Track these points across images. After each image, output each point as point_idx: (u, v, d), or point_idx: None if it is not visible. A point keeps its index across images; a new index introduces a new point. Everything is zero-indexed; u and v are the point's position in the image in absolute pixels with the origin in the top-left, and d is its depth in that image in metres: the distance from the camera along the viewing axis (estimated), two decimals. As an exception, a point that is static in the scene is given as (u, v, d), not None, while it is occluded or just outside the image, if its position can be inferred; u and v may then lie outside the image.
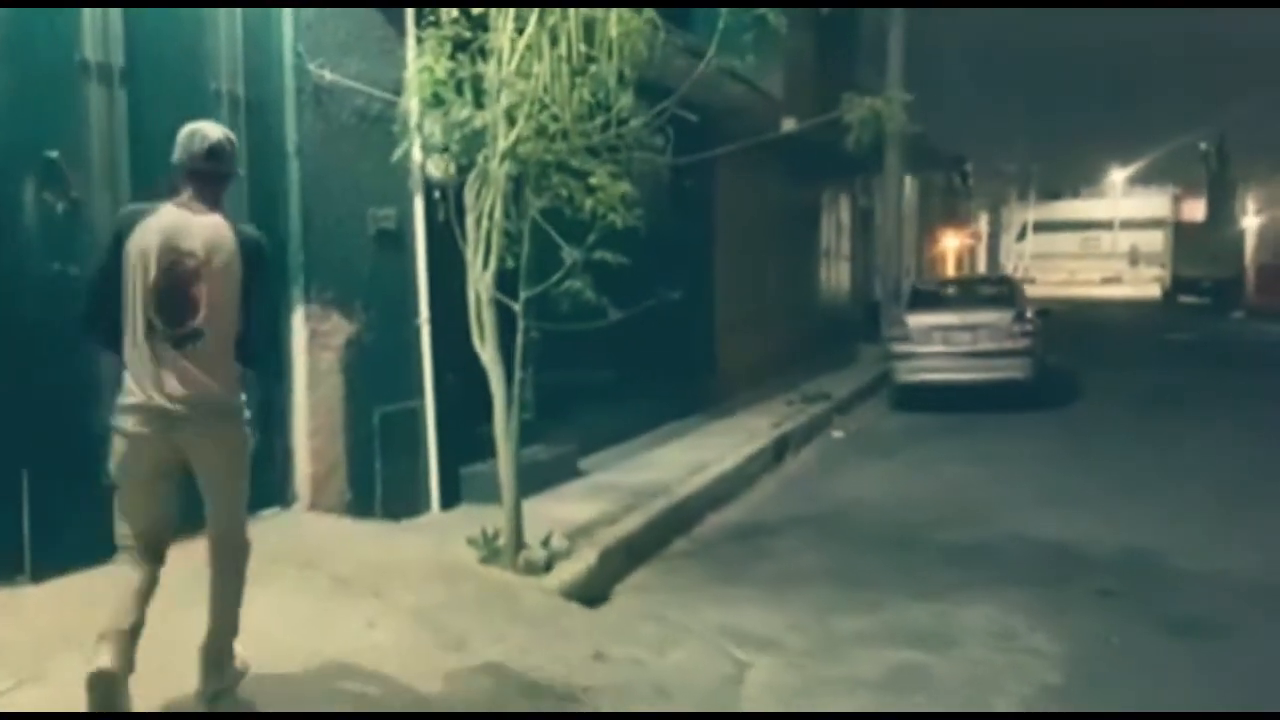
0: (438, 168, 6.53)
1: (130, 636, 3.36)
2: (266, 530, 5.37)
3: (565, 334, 8.42)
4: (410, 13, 6.38)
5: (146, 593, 3.45)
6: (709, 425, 10.36)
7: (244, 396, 3.57)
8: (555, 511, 6.84)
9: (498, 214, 5.64)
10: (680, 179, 11.07)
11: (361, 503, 6.24)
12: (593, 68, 5.32)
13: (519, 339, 5.66)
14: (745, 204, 12.86)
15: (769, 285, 14.11)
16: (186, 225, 3.41)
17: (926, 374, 12.21)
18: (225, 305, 3.44)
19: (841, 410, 12.14)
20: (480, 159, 5.69)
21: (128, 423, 3.40)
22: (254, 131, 5.52)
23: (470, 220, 5.74)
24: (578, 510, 6.89)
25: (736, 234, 12.57)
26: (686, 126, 10.37)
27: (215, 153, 3.50)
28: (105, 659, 3.28)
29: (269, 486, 5.74)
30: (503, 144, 5.51)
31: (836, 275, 18.47)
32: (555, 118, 5.50)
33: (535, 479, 7.41)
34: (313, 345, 5.87)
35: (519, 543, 5.69)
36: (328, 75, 5.88)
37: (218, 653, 3.62)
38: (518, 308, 5.62)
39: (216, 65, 5.30)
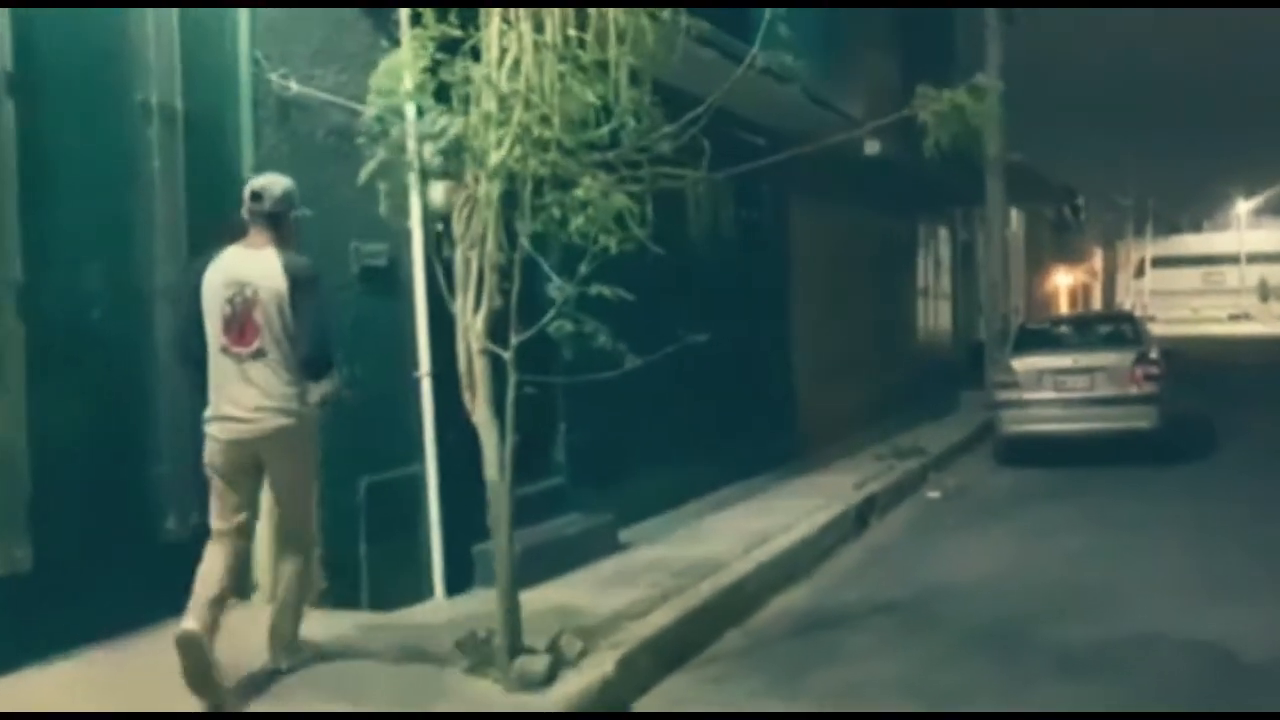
0: (439, 195, 5.61)
1: (215, 604, 3.96)
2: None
3: (607, 385, 7.39)
4: (404, 15, 5.46)
5: (234, 568, 4.13)
6: (782, 486, 9.15)
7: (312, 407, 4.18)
8: (579, 598, 5.76)
9: (490, 244, 4.65)
10: (746, 208, 10.00)
11: (342, 592, 5.24)
12: (583, 55, 4.28)
13: (510, 394, 4.60)
14: (827, 236, 11.68)
15: (857, 326, 12.85)
16: (244, 261, 4.06)
17: (1036, 424, 10.78)
18: (281, 327, 4.03)
19: (939, 466, 10.79)
20: (470, 178, 4.73)
21: (212, 429, 4.07)
22: (195, 151, 4.65)
23: (459, 253, 4.76)
24: (606, 597, 5.78)
25: (817, 270, 11.39)
26: (753, 150, 9.29)
27: (256, 195, 4.12)
28: (190, 622, 3.86)
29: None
30: (495, 156, 4.52)
31: (935, 315, 17.06)
32: (545, 119, 4.49)
33: (563, 556, 6.35)
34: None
35: (515, 647, 4.60)
36: (294, 87, 4.98)
37: (284, 636, 4.31)
38: (508, 355, 4.57)
39: (144, 73, 4.45)
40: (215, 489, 4.11)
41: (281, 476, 4.18)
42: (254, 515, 4.27)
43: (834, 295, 12.05)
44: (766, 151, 10.02)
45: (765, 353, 10.14)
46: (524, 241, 4.49)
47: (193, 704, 3.91)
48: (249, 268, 4.03)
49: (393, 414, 5.58)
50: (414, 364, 5.66)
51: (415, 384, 5.68)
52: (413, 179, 5.51)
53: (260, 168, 4.89)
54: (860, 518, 8.42)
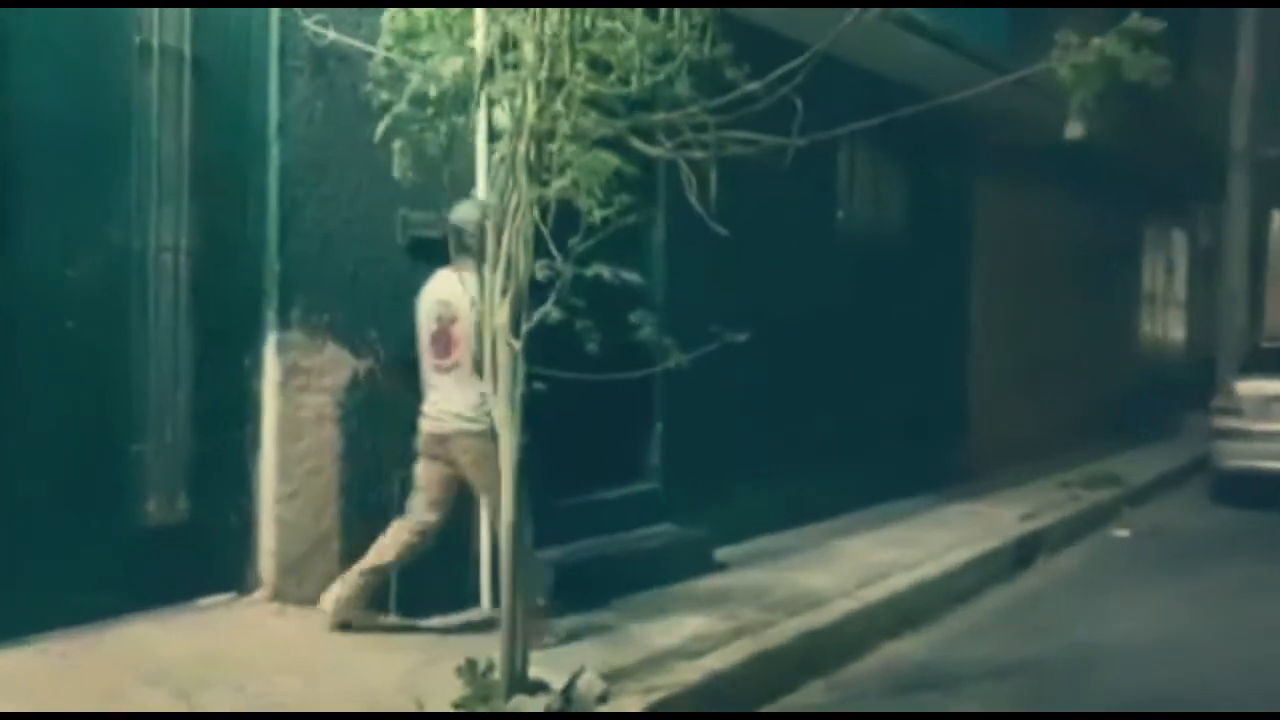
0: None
1: (369, 573, 4.44)
2: (180, 628, 4.02)
3: (718, 382, 6.61)
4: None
5: (416, 546, 4.55)
6: (933, 512, 8.05)
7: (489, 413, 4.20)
8: (637, 624, 5.05)
9: (521, 215, 3.99)
10: (919, 192, 8.93)
11: (365, 595, 4.73)
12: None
13: (517, 389, 3.93)
14: (1023, 229, 10.36)
15: (1056, 332, 11.42)
16: (449, 284, 4.46)
17: (1259, 460, 9.14)
18: (475, 345, 4.28)
19: (1136, 500, 9.35)
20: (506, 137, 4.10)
21: (420, 422, 4.51)
22: (208, 102, 4.22)
23: (490, 226, 4.13)
24: (671, 626, 5.04)
25: (1007, 266, 10.11)
26: (936, 131, 8.25)
27: (457, 229, 4.47)
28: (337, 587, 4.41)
29: (218, 566, 4.39)
30: (530, 109, 3.84)
31: (1163, 326, 15.14)
32: (594, 64, 3.80)
33: (639, 572, 5.66)
34: (289, 385, 4.45)
35: (518, 682, 3.96)
36: (331, 34, 4.48)
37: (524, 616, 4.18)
38: (517, 345, 3.90)
39: (143, 11, 4.03)
40: (420, 477, 4.56)
41: (474, 477, 4.53)
42: (450, 499, 4.61)
43: (1027, 296, 10.70)
44: (952, 130, 8.93)
45: (933, 356, 9.04)
46: (534, 214, 3.78)
47: (136, 702, 3.49)
48: (452, 290, 4.44)
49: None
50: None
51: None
52: (480, 140, 5.01)
53: (288, 124, 4.44)
54: (1021, 556, 7.26)
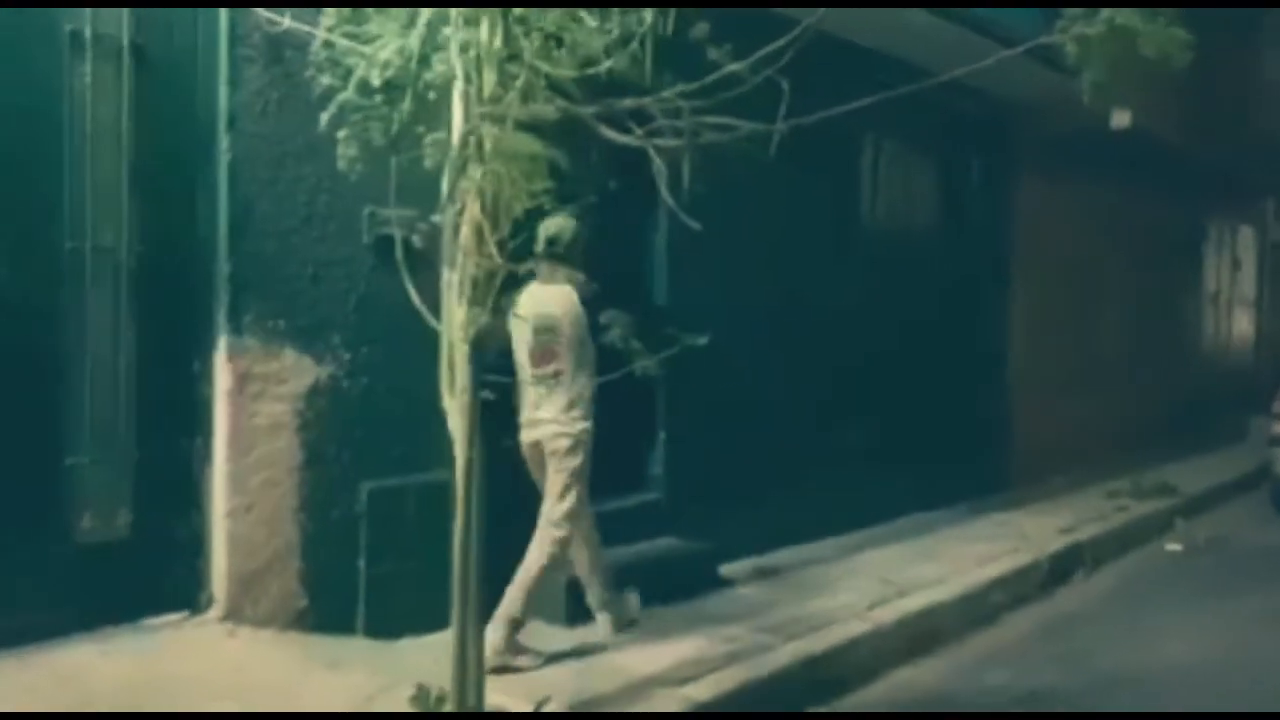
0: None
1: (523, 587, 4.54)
2: (120, 650, 3.79)
3: (727, 387, 6.27)
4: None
5: (559, 556, 4.68)
6: (969, 522, 7.60)
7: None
8: (623, 648, 4.73)
9: (475, 203, 3.69)
10: (951, 186, 8.49)
11: (329, 614, 4.48)
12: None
13: (466, 395, 3.63)
14: (1068, 226, 9.83)
15: (1107, 333, 10.84)
16: (548, 296, 4.59)
17: (1325, 469, 8.53)
18: (574, 356, 4.58)
19: (1192, 511, 8.77)
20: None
21: (520, 435, 4.69)
22: (152, 93, 3.99)
23: (447, 219, 3.84)
24: (659, 649, 4.72)
25: (1050, 264, 9.60)
26: (972, 123, 7.84)
27: (551, 240, 4.56)
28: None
29: (168, 584, 4.16)
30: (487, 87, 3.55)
31: (1229, 326, 14.39)
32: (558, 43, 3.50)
33: (646, 588, 5.32)
34: (242, 392, 4.21)
35: (470, 711, 3.66)
36: (285, 21, 4.22)
37: (505, 617, 4.47)
38: (466, 348, 3.60)
39: (74, -4, 3.81)
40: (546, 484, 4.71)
41: (551, 474, 4.66)
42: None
43: (1076, 296, 10.16)
44: (991, 122, 8.48)
45: (970, 359, 8.57)
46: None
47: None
48: (552, 303, 4.59)
49: (419, 409, 4.74)
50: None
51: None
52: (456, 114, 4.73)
53: (239, 116, 4.19)
54: (1058, 571, 6.79)
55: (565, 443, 4.60)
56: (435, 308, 4.79)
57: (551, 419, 4.61)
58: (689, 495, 6.01)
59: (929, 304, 8.01)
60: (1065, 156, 9.29)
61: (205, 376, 4.17)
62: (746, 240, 6.34)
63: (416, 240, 4.53)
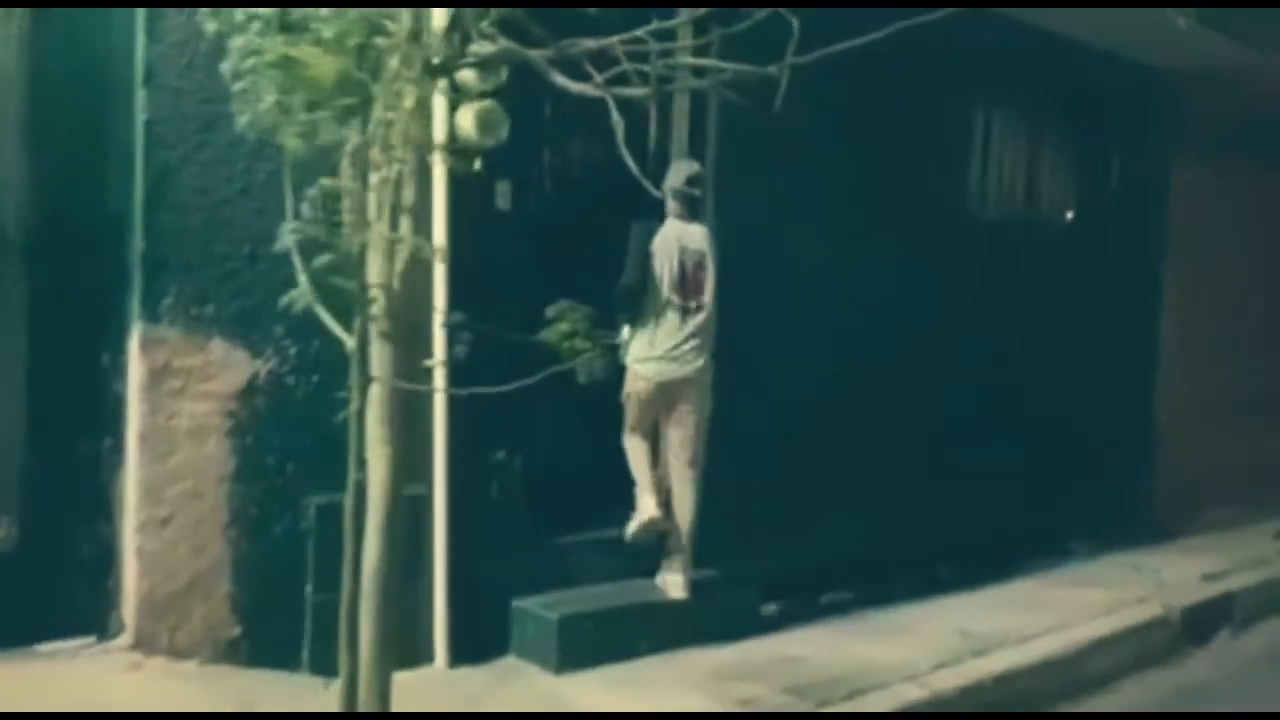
0: (469, 122, 4.13)
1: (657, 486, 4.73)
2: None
3: (785, 395, 5.40)
4: None
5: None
6: (1092, 564, 6.45)
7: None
8: (615, 701, 3.98)
9: (403, 164, 3.03)
10: (1085, 172, 7.34)
11: (268, 647, 3.88)
12: None
13: (355, 399, 2.94)
14: (1238, 224, 8.42)
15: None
16: (690, 233, 4.75)
17: None
18: (711, 289, 4.74)
19: (1382, 559, 7.29)
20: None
21: (646, 369, 4.65)
22: (53, 41, 3.48)
23: (374, 179, 3.18)
24: (653, 708, 3.94)
25: (1215, 268, 8.23)
26: (1116, 97, 6.73)
27: (692, 180, 4.78)
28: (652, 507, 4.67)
29: (70, 606, 3.64)
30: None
31: None
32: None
33: (652, 631, 4.57)
34: (158, 389, 3.65)
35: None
36: (217, -42, 3.65)
37: (685, 565, 4.75)
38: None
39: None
40: (636, 409, 4.71)
41: (696, 410, 4.73)
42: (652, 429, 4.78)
43: (1245, 305, 8.72)
44: (1128, 96, 7.28)
45: (1107, 376, 7.36)
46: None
47: None
48: (696, 239, 4.74)
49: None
50: (424, 349, 4.15)
51: (423, 374, 4.18)
52: (438, 100, 4.12)
53: (158, 69, 3.64)
54: (1193, 630, 5.62)
55: (710, 378, 4.73)
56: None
57: (697, 352, 4.68)
58: (733, 521, 5.17)
59: (1057, 311, 6.88)
60: (1236, 139, 7.92)
61: (116, 370, 3.64)
62: (817, 227, 5.46)
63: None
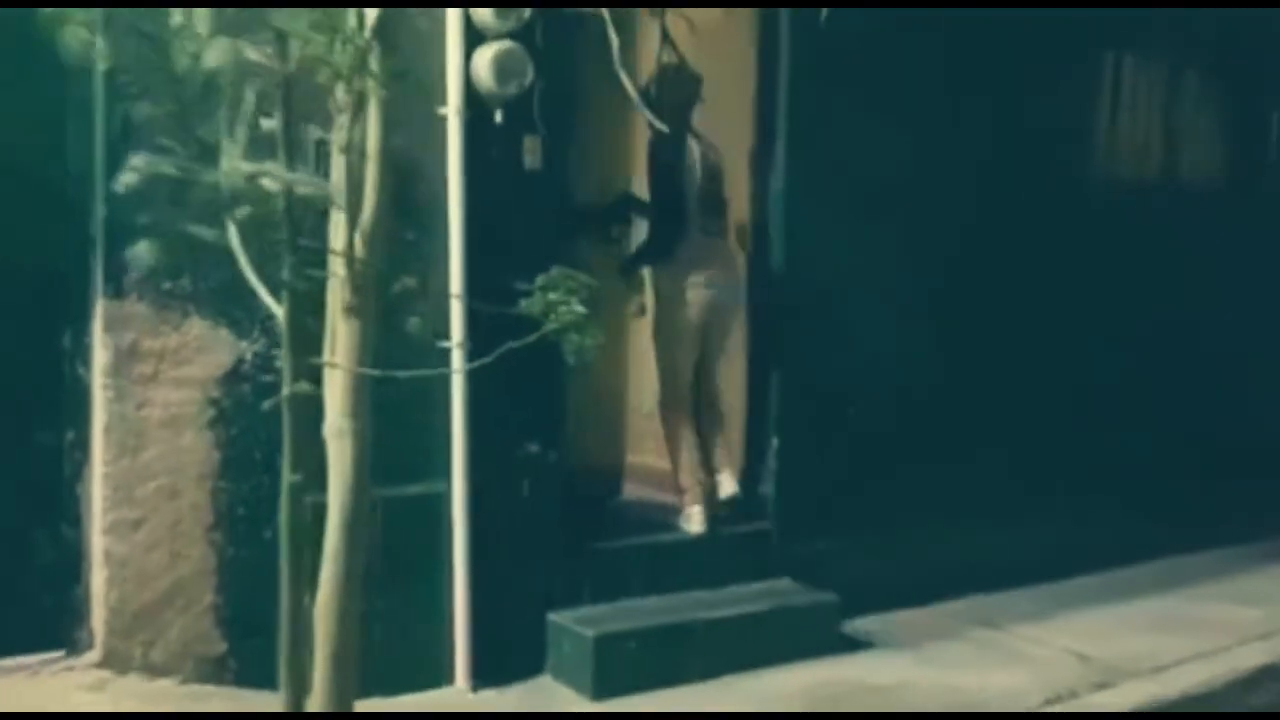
0: (485, 66, 3.64)
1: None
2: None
3: (878, 378, 4.72)
4: None
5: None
6: (1249, 573, 5.53)
7: None
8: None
9: (372, 116, 2.53)
10: (1246, 130, 6.40)
11: (259, 664, 3.39)
12: None
13: (283, 388, 2.42)
14: None
15: None
16: (707, 148, 4.40)
17: None
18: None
19: None
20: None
21: (696, 295, 4.32)
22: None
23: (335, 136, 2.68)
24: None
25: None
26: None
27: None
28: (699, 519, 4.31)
29: (31, 618, 3.26)
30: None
31: None
32: None
33: (716, 650, 3.99)
34: (127, 374, 3.23)
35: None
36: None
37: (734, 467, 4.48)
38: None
39: None
40: (677, 353, 4.34)
41: (726, 339, 4.43)
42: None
43: None
44: None
45: (1262, 355, 6.40)
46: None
47: None
48: (715, 154, 4.39)
49: (387, 401, 3.63)
50: (439, 329, 3.64)
51: (440, 357, 3.67)
52: (452, 43, 3.65)
53: (115, 10, 3.21)
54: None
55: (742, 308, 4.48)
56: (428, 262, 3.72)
57: (734, 273, 4.42)
58: (810, 523, 4.53)
59: (1200, 282, 5.96)
60: None
61: (78, 353, 3.23)
62: (909, 185, 4.76)
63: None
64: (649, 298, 4.53)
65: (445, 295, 3.65)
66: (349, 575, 2.57)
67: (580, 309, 2.50)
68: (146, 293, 3.25)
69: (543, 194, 3.89)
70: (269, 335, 3.44)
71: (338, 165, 2.60)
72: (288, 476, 2.39)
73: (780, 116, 4.56)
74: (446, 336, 3.66)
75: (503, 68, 3.64)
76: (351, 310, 2.63)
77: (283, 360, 2.38)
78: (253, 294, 3.42)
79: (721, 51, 4.67)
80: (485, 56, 3.64)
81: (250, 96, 2.36)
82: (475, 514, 3.72)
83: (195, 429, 3.34)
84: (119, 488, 3.23)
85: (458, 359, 3.66)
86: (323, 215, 3.35)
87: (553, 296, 2.56)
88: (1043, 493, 5.12)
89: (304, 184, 2.24)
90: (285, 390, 2.38)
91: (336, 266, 2.63)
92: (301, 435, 2.42)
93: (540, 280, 2.64)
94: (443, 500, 3.72)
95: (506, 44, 3.66)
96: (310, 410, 2.71)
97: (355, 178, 2.61)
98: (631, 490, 4.88)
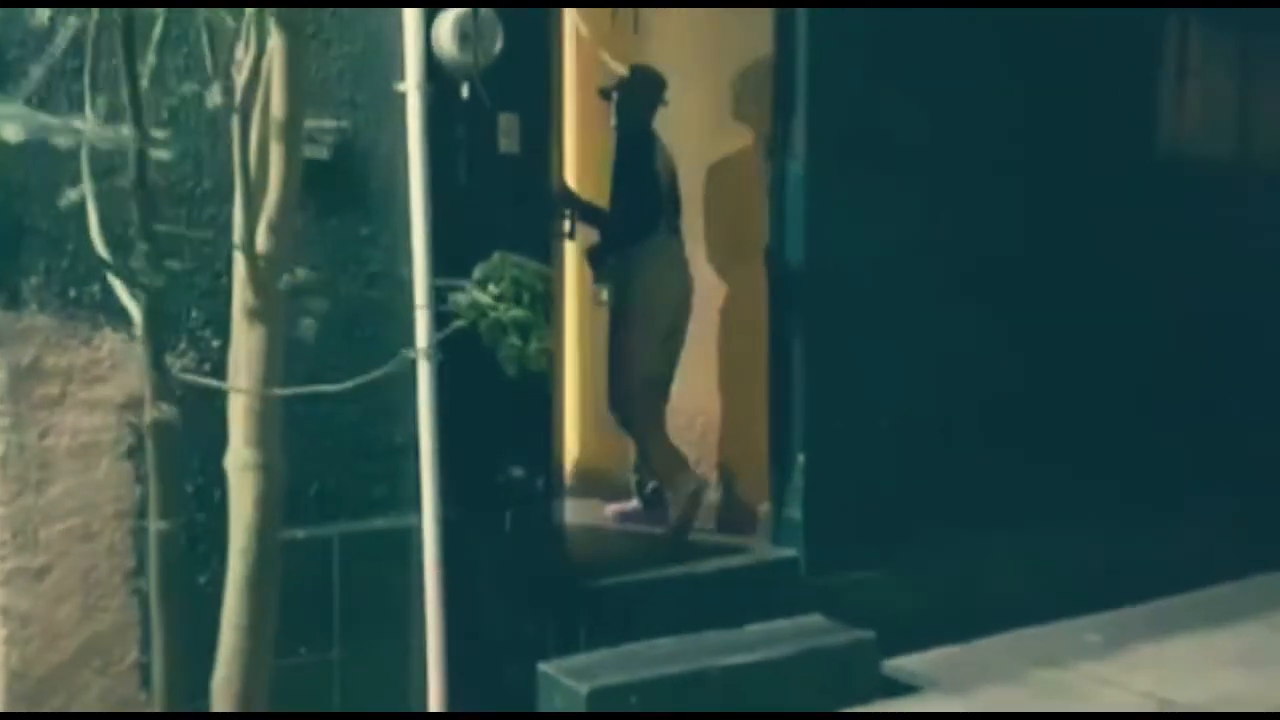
0: (447, 34, 3.18)
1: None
2: None
3: (927, 382, 4.17)
4: None
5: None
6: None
7: None
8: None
9: (277, 90, 2.07)
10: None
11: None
12: None
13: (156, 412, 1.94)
14: None
15: None
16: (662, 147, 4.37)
17: None
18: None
19: None
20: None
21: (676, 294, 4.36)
22: None
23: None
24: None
25: None
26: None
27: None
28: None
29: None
30: None
31: None
32: None
33: (732, 700, 3.43)
34: (26, 397, 2.76)
35: None
36: None
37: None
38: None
39: None
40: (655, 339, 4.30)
41: (685, 333, 4.34)
42: None
43: None
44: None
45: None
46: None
47: None
48: (673, 162, 4.36)
49: (340, 425, 3.14)
50: (402, 338, 3.15)
51: (404, 371, 3.18)
52: (410, 10, 3.19)
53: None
54: None
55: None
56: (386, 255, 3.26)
57: (689, 270, 4.35)
58: (842, 549, 3.98)
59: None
60: None
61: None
62: (948, 163, 4.22)
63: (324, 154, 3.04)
64: (607, 293, 4.46)
65: (405, 295, 3.16)
66: (253, 646, 2.09)
67: (519, 311, 1.99)
68: (49, 302, 2.79)
69: (521, 181, 3.40)
70: (198, 348, 2.97)
71: (236, 138, 2.13)
72: (155, 524, 1.91)
73: (799, 91, 4.04)
74: (411, 343, 3.18)
75: (465, 34, 3.16)
76: (254, 315, 2.17)
77: (147, 377, 1.91)
78: (177, 304, 2.99)
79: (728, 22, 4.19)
80: (448, 21, 3.16)
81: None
82: (450, 550, 3.22)
83: (111, 459, 2.87)
84: (19, 531, 2.77)
85: (423, 371, 3.17)
86: (197, 195, 2.90)
87: (494, 291, 2.06)
88: (1108, 505, 4.51)
89: (101, 138, 1.73)
90: (146, 415, 1.90)
91: (237, 263, 2.17)
92: (169, 471, 1.94)
93: (479, 270, 2.15)
94: (412, 535, 3.22)
95: (472, 9, 3.17)
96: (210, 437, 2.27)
97: (263, 151, 2.15)
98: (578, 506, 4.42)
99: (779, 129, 4.08)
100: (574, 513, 4.15)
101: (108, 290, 2.81)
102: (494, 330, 2.00)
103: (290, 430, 3.06)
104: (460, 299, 2.03)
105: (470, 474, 3.28)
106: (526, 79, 3.38)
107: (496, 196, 3.32)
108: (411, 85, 3.17)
